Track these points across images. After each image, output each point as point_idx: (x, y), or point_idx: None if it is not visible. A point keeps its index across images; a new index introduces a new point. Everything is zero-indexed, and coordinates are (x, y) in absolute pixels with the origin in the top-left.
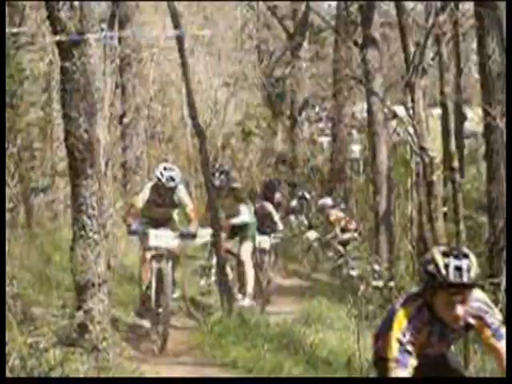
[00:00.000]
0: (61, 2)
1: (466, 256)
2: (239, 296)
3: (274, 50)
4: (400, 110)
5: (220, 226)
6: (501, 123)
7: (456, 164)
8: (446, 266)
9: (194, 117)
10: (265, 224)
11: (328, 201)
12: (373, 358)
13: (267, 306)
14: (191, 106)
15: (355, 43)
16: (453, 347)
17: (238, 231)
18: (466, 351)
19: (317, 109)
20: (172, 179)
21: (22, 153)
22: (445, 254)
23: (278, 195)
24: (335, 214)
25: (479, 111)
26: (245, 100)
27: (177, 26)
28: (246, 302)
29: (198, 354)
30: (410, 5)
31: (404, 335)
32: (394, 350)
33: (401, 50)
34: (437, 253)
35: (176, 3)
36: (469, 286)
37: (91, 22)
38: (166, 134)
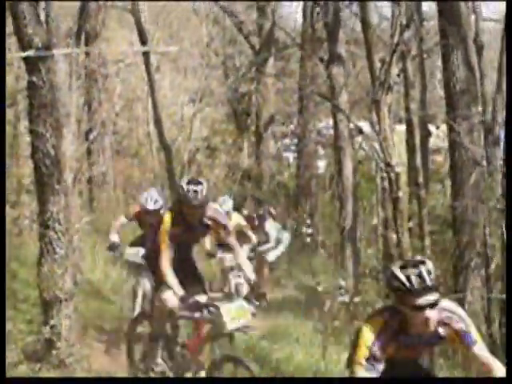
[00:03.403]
0: (28, 17)
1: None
2: None
3: (240, 66)
4: (365, 126)
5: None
6: (465, 139)
7: (421, 180)
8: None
9: (160, 132)
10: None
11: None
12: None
13: None
14: (157, 121)
15: (321, 60)
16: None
17: None
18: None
19: (292, 126)
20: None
21: None
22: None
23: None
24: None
25: (444, 127)
26: (211, 116)
27: (143, 42)
28: None
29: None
30: (375, 22)
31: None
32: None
33: (366, 67)
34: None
35: (142, 19)
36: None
37: (58, 38)
38: (131, 150)
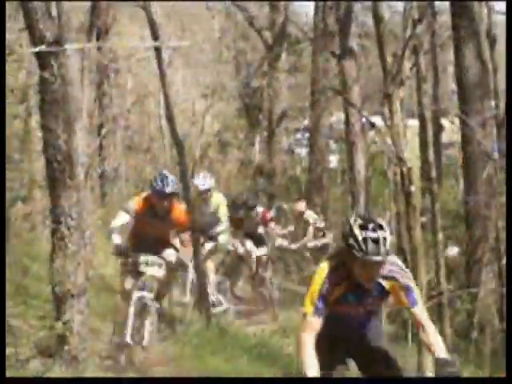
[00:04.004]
0: (39, 12)
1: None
2: None
3: (252, 61)
4: (378, 121)
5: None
6: (478, 133)
7: (433, 174)
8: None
9: (171, 127)
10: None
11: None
12: None
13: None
14: (169, 116)
15: (333, 54)
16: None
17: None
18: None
19: (306, 122)
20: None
21: None
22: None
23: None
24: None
25: (456, 121)
26: (223, 111)
27: (155, 36)
28: None
29: (176, 365)
30: (387, 16)
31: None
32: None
33: (378, 61)
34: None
35: (154, 14)
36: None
37: (69, 33)
38: (143, 145)
